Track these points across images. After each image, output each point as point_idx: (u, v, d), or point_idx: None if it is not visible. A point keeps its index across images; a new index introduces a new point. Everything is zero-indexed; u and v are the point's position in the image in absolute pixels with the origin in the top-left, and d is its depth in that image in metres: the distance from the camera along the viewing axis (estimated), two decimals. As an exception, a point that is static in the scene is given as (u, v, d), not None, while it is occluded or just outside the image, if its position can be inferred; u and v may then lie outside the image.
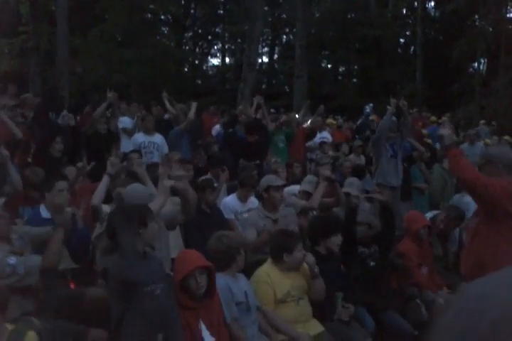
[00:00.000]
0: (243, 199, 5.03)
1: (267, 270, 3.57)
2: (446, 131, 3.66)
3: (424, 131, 10.09)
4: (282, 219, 4.38)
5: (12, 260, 2.97)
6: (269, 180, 4.60)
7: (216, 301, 3.10)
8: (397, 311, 4.12)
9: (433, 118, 12.57)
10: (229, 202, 5.02)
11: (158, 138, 6.86)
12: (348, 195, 4.99)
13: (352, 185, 5.17)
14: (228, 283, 3.24)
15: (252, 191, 5.11)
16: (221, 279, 3.20)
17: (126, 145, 6.91)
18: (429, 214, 5.12)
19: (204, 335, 2.91)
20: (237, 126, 8.01)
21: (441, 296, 4.32)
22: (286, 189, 4.96)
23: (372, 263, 4.17)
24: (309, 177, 5.34)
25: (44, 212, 3.95)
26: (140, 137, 6.77)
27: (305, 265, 3.62)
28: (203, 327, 2.92)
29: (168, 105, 7.72)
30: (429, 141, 9.13)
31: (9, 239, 3.20)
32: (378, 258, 4.20)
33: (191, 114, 6.91)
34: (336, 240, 3.87)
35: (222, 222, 4.69)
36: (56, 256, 3.12)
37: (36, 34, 17.39)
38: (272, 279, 3.50)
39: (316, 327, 3.57)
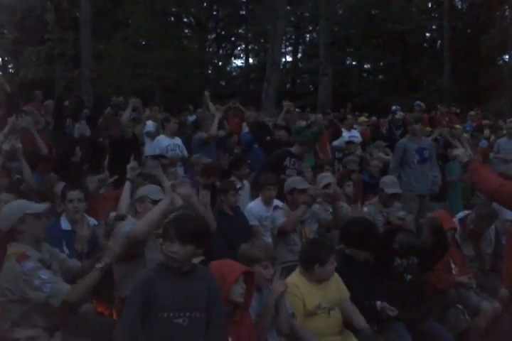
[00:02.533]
0: (267, 202, 4.89)
1: (296, 281, 3.37)
2: (459, 150, 3.55)
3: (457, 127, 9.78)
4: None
5: (44, 275, 2.85)
6: (294, 182, 4.45)
7: (246, 316, 2.87)
8: (436, 319, 3.87)
9: (471, 112, 12.35)
10: (253, 207, 4.87)
11: (179, 140, 6.81)
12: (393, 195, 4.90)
13: (394, 185, 5.07)
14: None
15: (274, 192, 4.94)
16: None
17: (149, 148, 6.85)
18: (460, 214, 4.91)
19: None
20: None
21: (488, 300, 4.12)
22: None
23: (409, 277, 3.87)
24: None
25: (64, 224, 3.91)
26: (164, 140, 6.68)
27: (336, 275, 3.44)
28: None
29: (211, 105, 7.53)
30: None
31: (40, 246, 3.09)
32: (416, 271, 3.91)
33: (214, 129, 6.77)
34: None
35: (247, 227, 4.57)
36: (84, 294, 2.94)
37: (61, 41, 17.61)
38: (302, 291, 3.31)
39: (348, 340, 3.38)
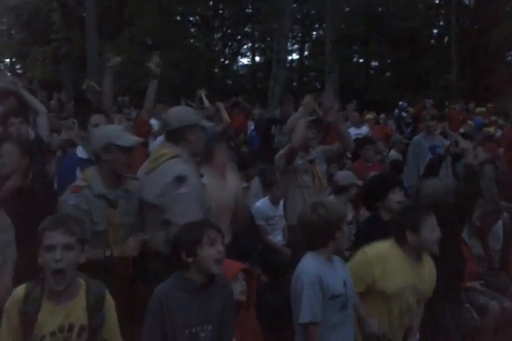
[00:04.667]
0: (275, 201, 4.85)
1: (385, 250, 2.90)
2: (467, 144, 3.45)
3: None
4: None
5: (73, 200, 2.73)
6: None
7: (251, 316, 2.80)
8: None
9: (479, 109, 12.06)
10: (260, 207, 4.84)
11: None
12: None
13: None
14: (320, 272, 2.62)
15: (282, 190, 4.88)
16: (310, 264, 2.66)
17: (152, 147, 6.82)
18: None
19: None
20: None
21: (497, 299, 4.06)
22: None
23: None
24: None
25: (80, 152, 3.76)
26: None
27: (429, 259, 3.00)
28: None
29: (206, 102, 7.40)
30: None
31: (118, 182, 2.88)
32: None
33: (226, 116, 6.54)
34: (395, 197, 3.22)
35: (253, 228, 4.52)
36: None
37: (67, 41, 17.67)
38: (386, 265, 2.85)
39: None
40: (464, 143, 3.53)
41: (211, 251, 2.37)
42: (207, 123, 3.23)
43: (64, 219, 2.25)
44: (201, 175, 3.12)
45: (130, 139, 2.92)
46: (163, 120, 3.22)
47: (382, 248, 2.95)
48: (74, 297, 2.22)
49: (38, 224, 2.24)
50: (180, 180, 2.91)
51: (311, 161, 4.21)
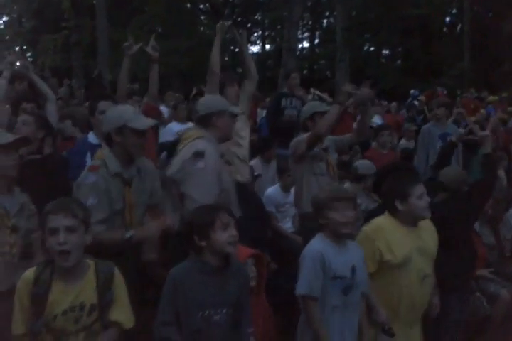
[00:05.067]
0: (286, 188, 4.85)
1: (381, 223, 2.96)
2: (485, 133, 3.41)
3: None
4: None
5: (93, 199, 2.69)
6: (313, 106, 4.39)
7: (261, 301, 2.82)
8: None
9: (492, 98, 11.89)
10: (271, 193, 4.84)
11: (191, 125, 6.70)
12: None
13: None
14: (323, 251, 2.67)
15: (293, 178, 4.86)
16: (316, 243, 2.73)
17: (162, 135, 6.81)
18: None
19: None
20: None
21: (507, 287, 4.06)
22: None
23: None
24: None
25: (91, 138, 3.76)
26: (175, 126, 6.64)
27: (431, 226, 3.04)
28: None
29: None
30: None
31: (131, 162, 2.88)
32: None
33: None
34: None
35: (263, 214, 4.52)
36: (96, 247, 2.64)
37: (78, 29, 17.66)
38: (388, 235, 2.88)
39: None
40: (483, 132, 3.47)
41: (224, 235, 2.38)
42: (235, 110, 3.29)
43: (66, 203, 2.29)
44: (222, 155, 3.20)
45: (144, 122, 2.88)
46: (194, 108, 3.32)
47: (378, 222, 3.01)
48: (84, 277, 2.27)
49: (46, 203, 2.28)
50: (197, 155, 3.05)
51: (325, 149, 4.20)
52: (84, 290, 2.25)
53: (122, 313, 2.33)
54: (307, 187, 4.07)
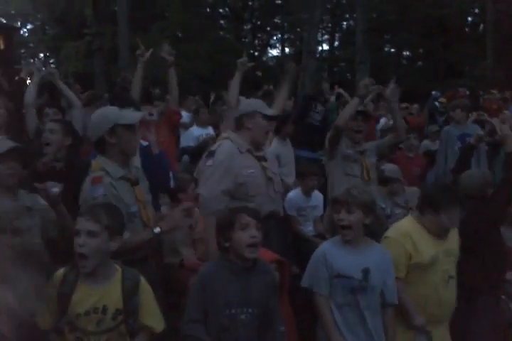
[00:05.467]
0: (307, 192, 4.83)
1: (407, 227, 2.97)
2: (507, 130, 3.35)
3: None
4: None
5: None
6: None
7: (283, 308, 2.80)
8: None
9: None
10: (292, 197, 4.83)
11: (211, 129, 6.76)
12: None
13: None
14: (327, 250, 2.78)
15: (315, 181, 4.86)
16: (324, 244, 2.88)
17: (183, 139, 6.85)
18: None
19: None
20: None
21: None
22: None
23: None
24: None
25: None
26: (195, 130, 6.69)
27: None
28: None
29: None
30: None
31: (128, 161, 2.86)
32: None
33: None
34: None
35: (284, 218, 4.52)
36: (126, 251, 2.59)
37: (99, 35, 17.91)
38: (414, 239, 2.90)
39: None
40: (504, 129, 3.38)
41: (243, 236, 2.42)
42: (269, 111, 3.35)
43: (92, 207, 2.37)
44: (249, 151, 3.26)
45: (133, 115, 2.85)
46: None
47: (403, 225, 3.03)
48: (110, 280, 2.33)
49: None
50: (209, 154, 3.23)
51: (362, 152, 4.20)
52: (109, 294, 2.31)
53: (153, 318, 2.39)
54: (337, 186, 4.10)
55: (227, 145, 3.25)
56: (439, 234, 2.97)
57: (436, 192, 3.02)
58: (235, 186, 3.18)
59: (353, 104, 4.12)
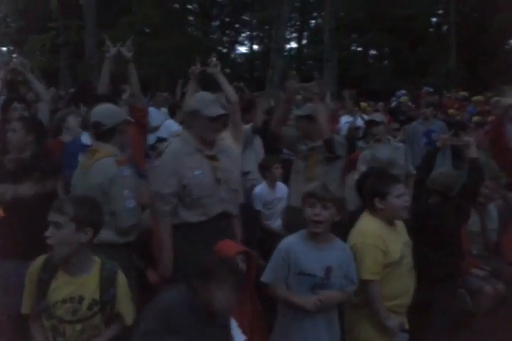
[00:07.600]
0: (272, 184, 4.86)
1: (371, 226, 2.95)
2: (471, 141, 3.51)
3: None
4: None
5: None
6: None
7: (249, 299, 2.87)
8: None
9: (476, 98, 11.90)
10: (259, 192, 4.86)
11: None
12: None
13: None
14: (291, 245, 2.75)
15: (280, 169, 4.84)
16: (291, 238, 2.82)
17: (160, 131, 6.66)
18: None
19: (234, 333, 2.55)
20: None
21: (489, 284, 4.13)
22: None
23: None
24: None
25: (85, 139, 4.00)
26: (173, 125, 6.51)
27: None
28: (233, 324, 2.57)
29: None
30: None
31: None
32: None
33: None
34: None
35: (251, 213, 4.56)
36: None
37: (65, 29, 17.57)
38: (384, 237, 2.89)
39: None
40: (467, 137, 3.56)
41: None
42: (210, 112, 3.14)
43: (60, 200, 2.45)
44: (199, 150, 3.22)
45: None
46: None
47: (369, 228, 2.96)
48: (88, 272, 2.39)
49: None
50: (159, 153, 3.52)
51: (311, 149, 4.22)
52: (86, 284, 2.37)
53: (125, 308, 2.47)
54: (291, 183, 4.26)
55: (174, 146, 3.24)
56: (392, 221, 3.00)
57: (375, 180, 3.06)
58: (179, 188, 3.12)
59: (281, 109, 4.24)
